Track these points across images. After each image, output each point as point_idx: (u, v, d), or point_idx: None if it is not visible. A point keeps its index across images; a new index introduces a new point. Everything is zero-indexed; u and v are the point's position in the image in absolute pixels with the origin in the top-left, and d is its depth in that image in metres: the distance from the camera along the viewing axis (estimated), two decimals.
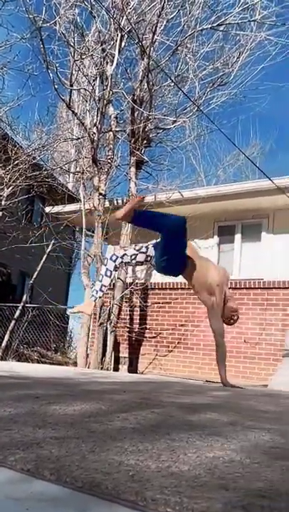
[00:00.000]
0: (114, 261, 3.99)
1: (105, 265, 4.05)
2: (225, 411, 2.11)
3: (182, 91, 7.95)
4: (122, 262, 4.01)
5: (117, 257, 4.02)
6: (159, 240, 3.94)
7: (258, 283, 7.13)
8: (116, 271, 4.11)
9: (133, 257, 4.00)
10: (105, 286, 4.03)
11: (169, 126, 8.48)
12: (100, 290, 4.02)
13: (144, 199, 3.85)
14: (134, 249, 4.08)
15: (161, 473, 1.03)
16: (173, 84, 8.11)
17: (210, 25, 7.81)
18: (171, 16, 8.02)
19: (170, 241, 3.81)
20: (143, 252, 3.99)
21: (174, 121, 8.26)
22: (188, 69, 8.19)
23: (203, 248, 7.42)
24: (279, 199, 6.99)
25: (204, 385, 4.23)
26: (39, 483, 0.97)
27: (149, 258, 3.98)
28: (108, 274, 3.99)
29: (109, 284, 4.16)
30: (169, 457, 1.17)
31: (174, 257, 3.85)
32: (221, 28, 7.93)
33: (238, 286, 7.07)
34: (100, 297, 4.11)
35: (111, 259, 4.02)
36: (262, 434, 1.58)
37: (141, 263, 4.12)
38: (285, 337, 6.45)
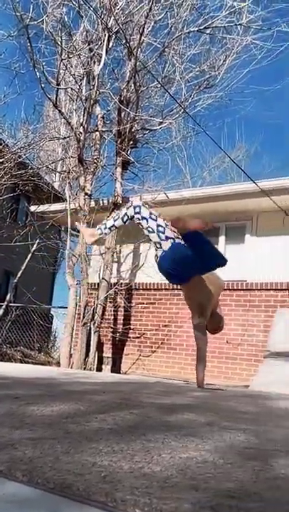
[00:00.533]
0: (136, 213, 3.74)
1: (127, 208, 3.82)
2: (203, 411, 2.13)
3: (168, 93, 7.97)
4: (139, 220, 3.74)
5: (140, 212, 3.72)
6: (183, 245, 3.66)
7: (240, 284, 7.20)
8: (131, 219, 3.82)
9: (150, 229, 3.71)
10: (116, 226, 3.91)
11: (155, 128, 8.50)
12: (109, 228, 3.89)
13: (214, 227, 3.67)
14: (158, 226, 3.70)
15: (134, 474, 1.04)
16: (160, 85, 8.13)
17: (197, 28, 7.85)
18: (159, 17, 8.03)
19: (199, 266, 3.72)
20: (160, 237, 3.68)
21: (161, 123, 8.28)
22: (175, 71, 8.22)
23: None
24: (263, 202, 7.07)
25: (185, 386, 4.25)
26: (11, 485, 0.98)
27: (158, 245, 3.72)
28: (124, 219, 3.80)
29: (119, 227, 4.02)
30: (143, 458, 1.18)
31: (186, 273, 3.79)
32: (208, 31, 7.97)
33: None
34: (105, 234, 3.99)
35: (135, 208, 3.74)
36: (237, 434, 1.61)
37: (148, 236, 3.86)
38: (267, 338, 6.52)
